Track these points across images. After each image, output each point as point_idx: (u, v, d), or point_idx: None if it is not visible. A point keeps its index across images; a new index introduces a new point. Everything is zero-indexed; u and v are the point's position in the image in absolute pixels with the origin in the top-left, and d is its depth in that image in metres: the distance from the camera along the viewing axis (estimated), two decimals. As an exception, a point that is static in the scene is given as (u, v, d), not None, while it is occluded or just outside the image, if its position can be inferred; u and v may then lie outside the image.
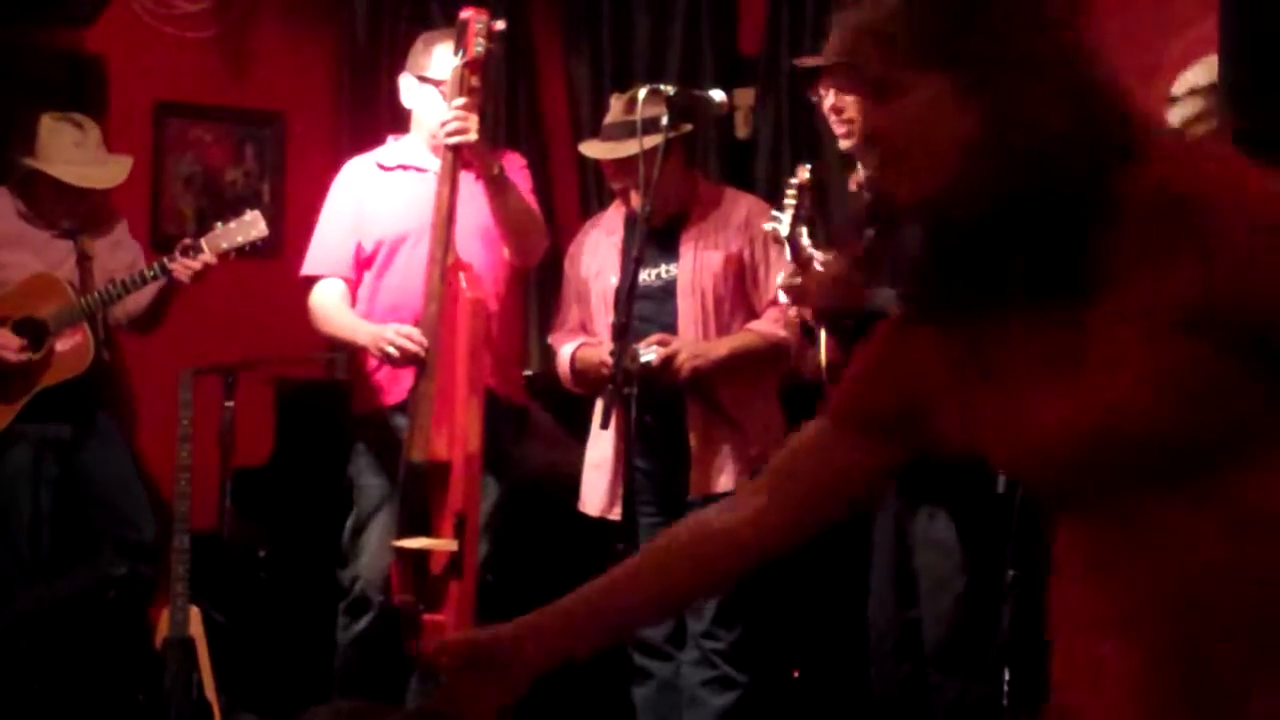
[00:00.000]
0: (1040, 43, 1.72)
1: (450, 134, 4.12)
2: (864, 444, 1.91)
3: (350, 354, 4.45)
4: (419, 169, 4.40)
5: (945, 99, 1.71)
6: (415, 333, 4.13)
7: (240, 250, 4.64)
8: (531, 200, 4.43)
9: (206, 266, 4.63)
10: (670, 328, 4.26)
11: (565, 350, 4.43)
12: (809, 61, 4.07)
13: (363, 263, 4.40)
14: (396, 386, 4.32)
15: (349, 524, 4.44)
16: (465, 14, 4.17)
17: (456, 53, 4.15)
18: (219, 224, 4.69)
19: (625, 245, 4.34)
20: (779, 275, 4.07)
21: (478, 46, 4.12)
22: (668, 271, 4.32)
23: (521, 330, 5.06)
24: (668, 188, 4.16)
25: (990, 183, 1.70)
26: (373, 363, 4.34)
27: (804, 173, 3.89)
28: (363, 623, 4.38)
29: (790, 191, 3.87)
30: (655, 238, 4.30)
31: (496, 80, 6.21)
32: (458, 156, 4.15)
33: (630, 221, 4.36)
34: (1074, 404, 1.70)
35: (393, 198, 4.40)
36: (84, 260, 4.97)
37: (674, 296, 4.30)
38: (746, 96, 5.94)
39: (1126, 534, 1.72)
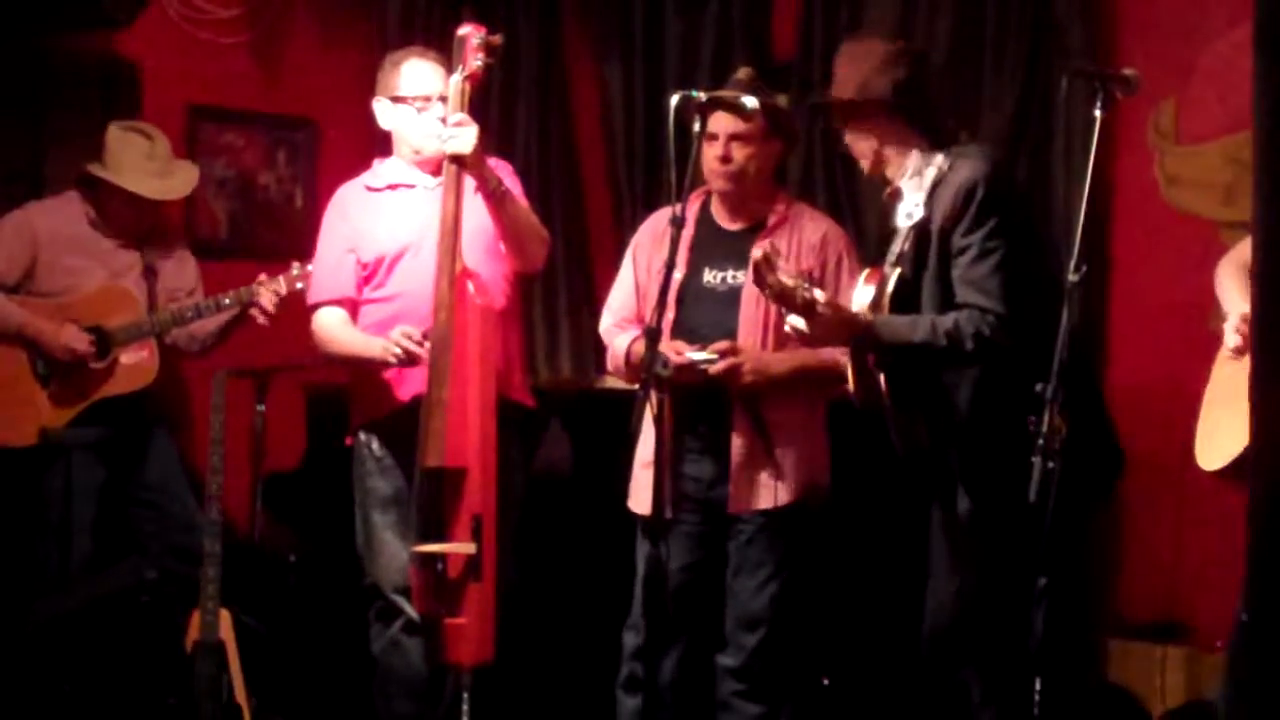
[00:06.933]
0: None
1: (452, 146, 4.13)
2: None
3: (359, 366, 4.42)
4: (407, 185, 4.42)
5: None
6: (416, 332, 4.13)
7: None
8: (528, 206, 4.44)
9: (279, 297, 4.82)
10: (730, 333, 4.24)
11: (620, 342, 4.42)
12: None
13: (364, 280, 4.40)
14: (400, 392, 4.32)
15: (359, 532, 4.43)
16: (463, 30, 4.19)
17: (455, 68, 4.18)
18: (295, 263, 4.81)
19: (695, 239, 4.33)
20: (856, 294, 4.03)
21: (476, 61, 4.15)
22: (734, 277, 4.28)
23: (527, 336, 5.02)
24: (756, 189, 4.21)
25: None
26: (377, 370, 4.33)
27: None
28: (394, 629, 4.38)
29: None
30: (727, 242, 4.29)
31: (528, 88, 6.23)
32: (460, 168, 4.15)
33: (701, 218, 4.35)
34: None
35: (386, 216, 4.40)
36: (150, 274, 5.01)
37: (737, 303, 4.27)
38: (779, 102, 5.90)
39: None
